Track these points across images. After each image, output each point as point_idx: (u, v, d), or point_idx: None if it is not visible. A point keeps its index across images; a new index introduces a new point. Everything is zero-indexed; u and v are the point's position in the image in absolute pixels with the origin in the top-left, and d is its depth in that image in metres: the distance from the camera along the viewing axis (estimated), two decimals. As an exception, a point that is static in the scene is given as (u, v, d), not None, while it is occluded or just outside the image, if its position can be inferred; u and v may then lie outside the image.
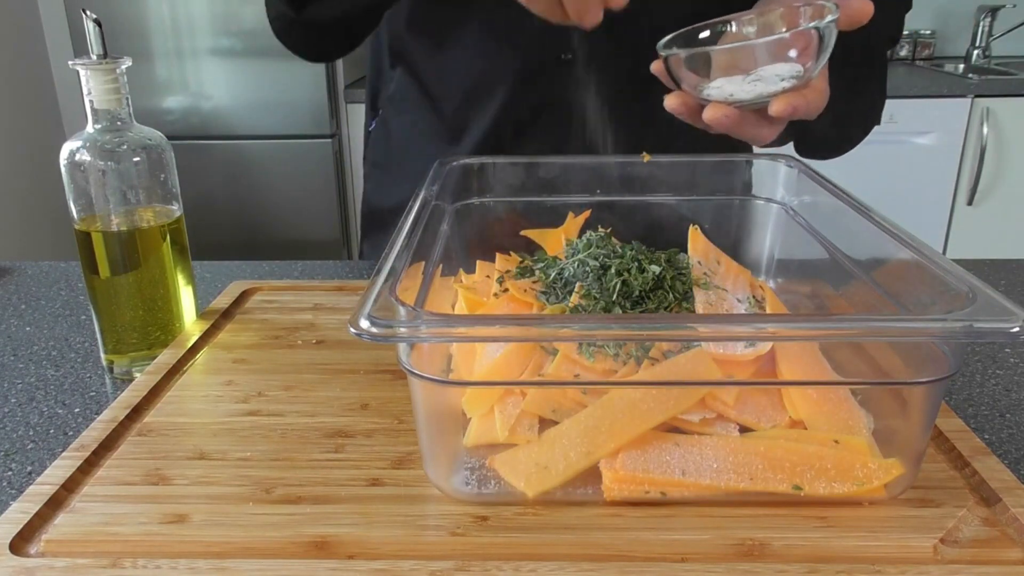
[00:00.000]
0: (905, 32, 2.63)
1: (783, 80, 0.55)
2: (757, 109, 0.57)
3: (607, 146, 0.80)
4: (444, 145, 0.89)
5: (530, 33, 0.78)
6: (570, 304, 0.55)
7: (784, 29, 0.58)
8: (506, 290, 0.59)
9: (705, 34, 0.61)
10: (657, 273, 0.56)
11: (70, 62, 0.61)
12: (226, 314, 0.73)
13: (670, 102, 0.59)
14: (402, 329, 0.40)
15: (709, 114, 0.57)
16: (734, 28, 0.61)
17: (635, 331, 0.43)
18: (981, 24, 2.61)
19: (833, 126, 0.71)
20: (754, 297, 0.58)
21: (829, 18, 0.54)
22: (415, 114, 0.92)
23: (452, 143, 0.88)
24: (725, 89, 0.56)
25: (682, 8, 0.77)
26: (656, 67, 0.60)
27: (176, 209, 0.66)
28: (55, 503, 0.46)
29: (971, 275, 0.44)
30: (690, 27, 0.60)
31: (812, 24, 0.54)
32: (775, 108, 0.55)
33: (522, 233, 0.70)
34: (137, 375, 0.62)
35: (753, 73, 0.55)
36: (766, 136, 0.60)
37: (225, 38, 2.31)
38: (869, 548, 0.43)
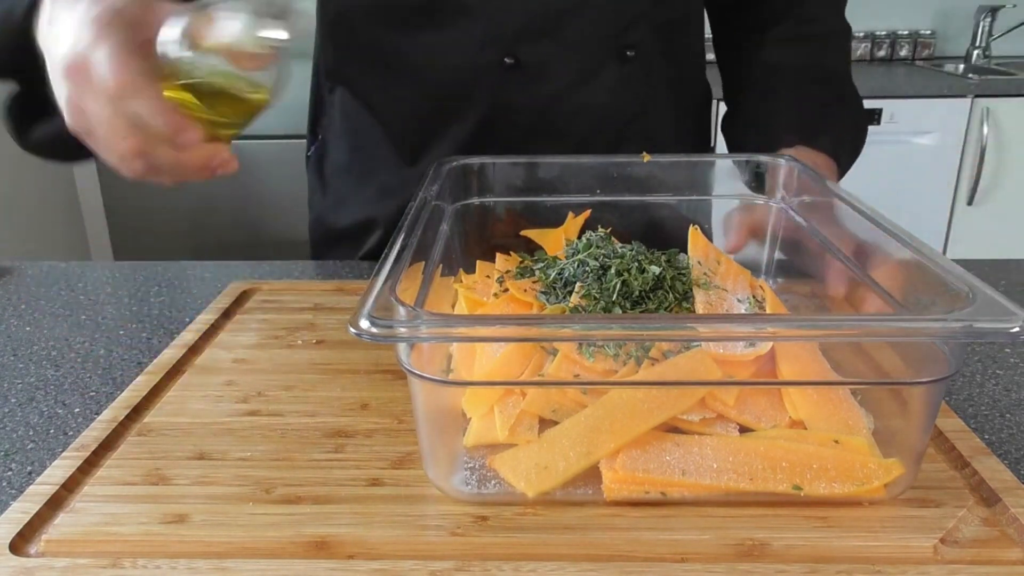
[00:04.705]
0: (905, 32, 2.66)
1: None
2: None
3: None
4: (395, 167, 0.86)
5: (470, 40, 0.77)
6: (570, 304, 0.55)
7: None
8: (506, 290, 0.59)
9: None
10: (657, 273, 0.56)
11: (70, 62, 0.60)
12: (226, 314, 0.73)
13: None
14: (402, 329, 0.40)
15: None
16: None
17: (635, 331, 0.43)
18: (981, 24, 2.61)
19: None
20: (754, 297, 0.58)
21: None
22: (361, 137, 0.88)
23: (407, 163, 0.85)
24: None
25: (632, 6, 0.78)
26: None
27: None
28: (55, 503, 0.46)
29: (971, 275, 0.44)
30: None
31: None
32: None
33: (522, 233, 0.70)
34: None
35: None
36: None
37: (225, 38, 2.30)
38: (869, 548, 0.43)
